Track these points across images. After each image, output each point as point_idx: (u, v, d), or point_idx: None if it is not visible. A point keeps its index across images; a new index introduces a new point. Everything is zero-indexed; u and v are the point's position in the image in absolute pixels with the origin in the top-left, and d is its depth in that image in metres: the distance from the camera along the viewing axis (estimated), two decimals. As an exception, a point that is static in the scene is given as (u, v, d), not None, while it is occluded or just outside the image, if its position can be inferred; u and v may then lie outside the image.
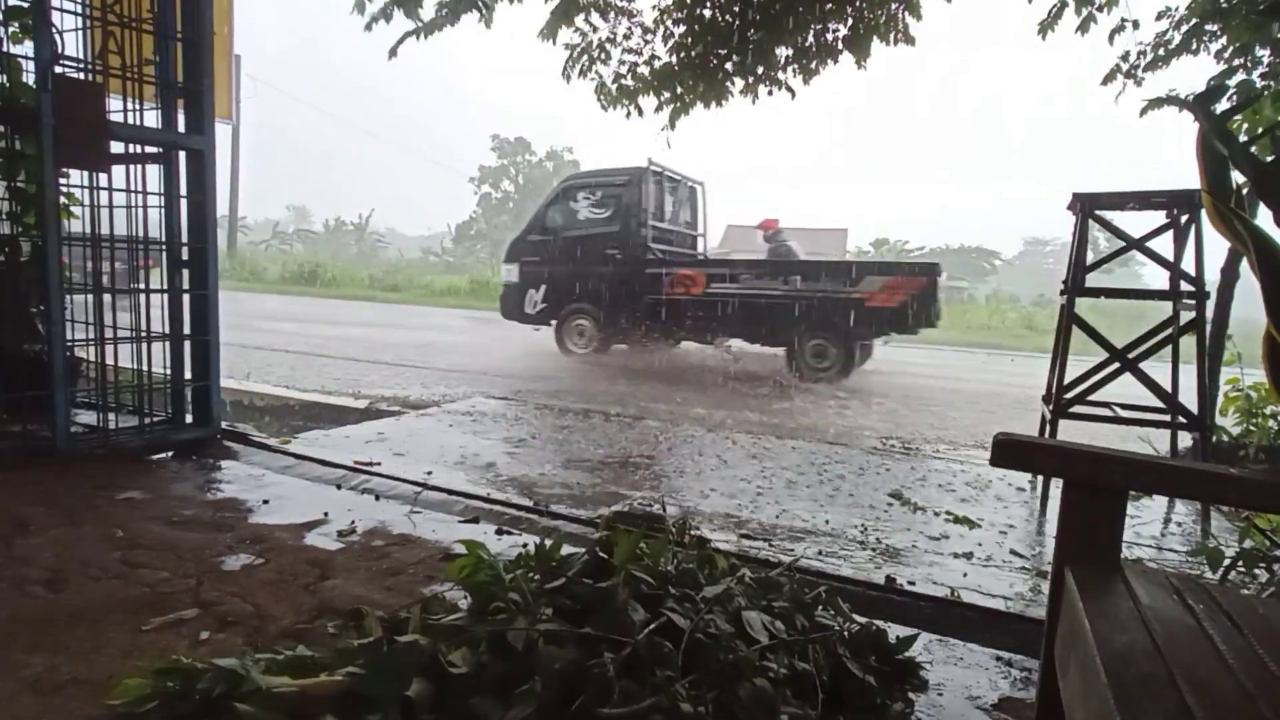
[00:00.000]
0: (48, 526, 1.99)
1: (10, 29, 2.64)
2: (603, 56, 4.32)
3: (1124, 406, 3.21)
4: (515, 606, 1.23)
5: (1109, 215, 3.08)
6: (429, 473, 2.86)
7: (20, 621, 1.48)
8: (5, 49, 2.66)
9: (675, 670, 1.13)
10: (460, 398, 5.05)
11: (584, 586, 1.28)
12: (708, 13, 4.10)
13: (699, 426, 4.52)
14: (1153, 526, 2.97)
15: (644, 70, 4.33)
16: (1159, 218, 3.12)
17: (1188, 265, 2.94)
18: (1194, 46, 3.71)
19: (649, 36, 4.29)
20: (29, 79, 2.61)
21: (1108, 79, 4.06)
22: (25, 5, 2.50)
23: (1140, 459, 0.93)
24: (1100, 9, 3.83)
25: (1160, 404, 2.98)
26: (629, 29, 4.28)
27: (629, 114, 4.43)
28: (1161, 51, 3.89)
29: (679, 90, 4.32)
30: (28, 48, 2.62)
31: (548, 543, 1.48)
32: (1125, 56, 4.00)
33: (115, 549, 1.88)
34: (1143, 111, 3.97)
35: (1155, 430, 3.28)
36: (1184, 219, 2.99)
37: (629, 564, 1.35)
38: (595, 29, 4.25)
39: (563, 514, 2.40)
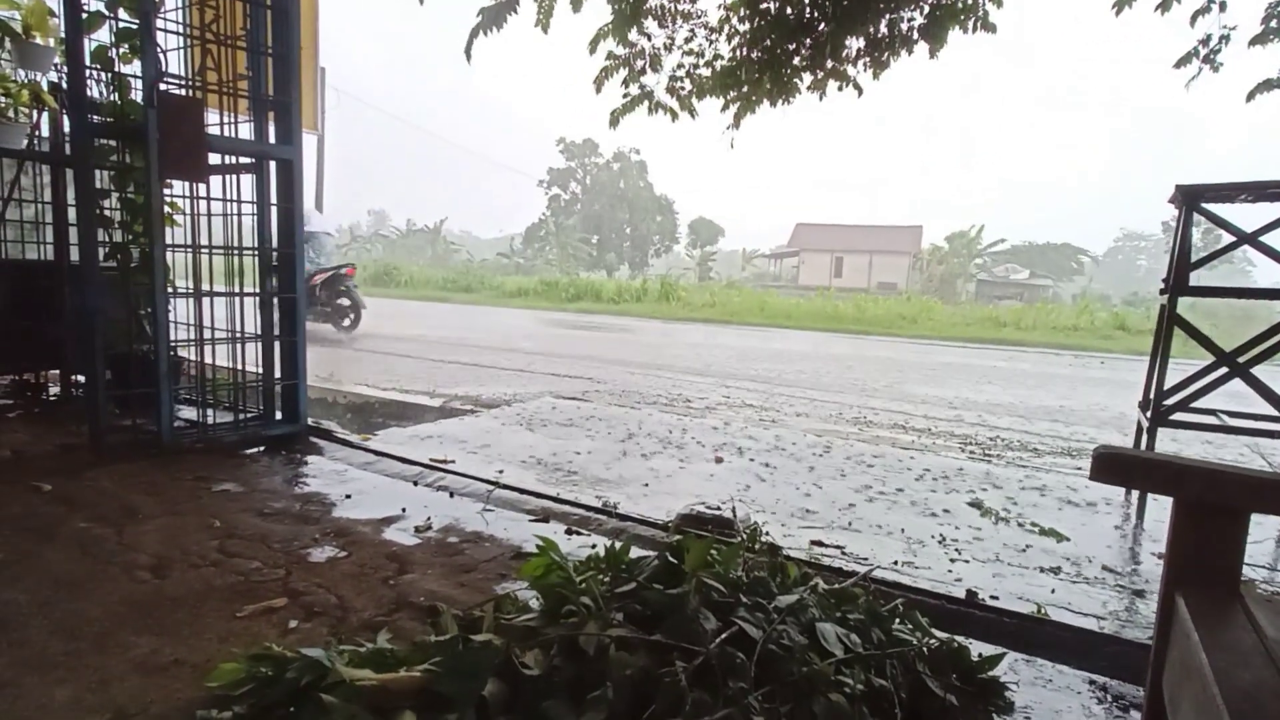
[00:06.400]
0: (153, 515, 2.14)
1: (120, 50, 2.84)
2: (655, 66, 4.26)
3: (1230, 414, 2.97)
4: (586, 610, 1.23)
5: (1216, 208, 2.86)
6: (500, 471, 2.92)
7: (129, 604, 1.59)
8: (117, 69, 2.86)
9: (748, 682, 1.10)
10: (531, 397, 5.13)
11: (654, 592, 1.27)
12: (774, 6, 4.01)
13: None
14: (1265, 546, 2.74)
15: (704, 72, 4.26)
16: (1275, 210, 2.87)
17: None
18: None
19: (714, 36, 4.23)
20: (136, 96, 2.80)
21: (1181, 63, 3.77)
22: (134, 27, 2.68)
23: (1266, 477, 0.85)
24: None
25: (1276, 412, 2.74)
26: (691, 31, 4.23)
27: (674, 118, 4.35)
28: (1275, 24, 3.58)
29: (744, 89, 4.25)
30: (134, 66, 2.81)
31: (617, 545, 1.48)
32: (1205, 40, 3.71)
33: (213, 538, 1.99)
34: (1249, 96, 3.67)
35: (1258, 440, 3.02)
36: (1305, 211, 2.74)
37: (700, 570, 1.33)
38: (651, 37, 4.19)
39: (631, 516, 2.41)
